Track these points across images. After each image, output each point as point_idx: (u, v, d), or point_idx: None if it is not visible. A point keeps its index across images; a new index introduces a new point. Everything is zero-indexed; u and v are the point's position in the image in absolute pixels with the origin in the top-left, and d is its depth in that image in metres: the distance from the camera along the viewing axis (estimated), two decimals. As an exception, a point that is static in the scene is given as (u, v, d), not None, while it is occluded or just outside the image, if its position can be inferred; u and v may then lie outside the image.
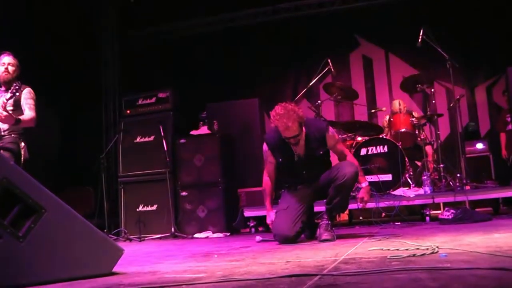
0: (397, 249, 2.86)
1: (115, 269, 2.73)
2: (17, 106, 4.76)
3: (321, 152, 4.25)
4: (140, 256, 3.92)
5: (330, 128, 4.26)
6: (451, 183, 6.01)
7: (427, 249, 2.69)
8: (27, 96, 4.81)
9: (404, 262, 2.35)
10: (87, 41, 8.09)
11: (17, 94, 4.63)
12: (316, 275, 2.12)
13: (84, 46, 7.97)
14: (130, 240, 6.17)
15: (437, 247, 2.73)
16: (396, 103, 7.13)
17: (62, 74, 7.45)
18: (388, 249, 2.89)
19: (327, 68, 6.86)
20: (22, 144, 4.74)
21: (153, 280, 2.37)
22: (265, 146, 4.41)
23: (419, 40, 6.07)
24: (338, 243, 3.73)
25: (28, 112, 4.76)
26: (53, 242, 2.51)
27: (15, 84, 4.59)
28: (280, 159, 4.33)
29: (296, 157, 4.24)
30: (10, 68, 4.85)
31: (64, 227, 2.57)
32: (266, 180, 4.48)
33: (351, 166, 4.07)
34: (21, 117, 4.67)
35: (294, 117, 3.97)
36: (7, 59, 4.88)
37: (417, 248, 2.80)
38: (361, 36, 8.95)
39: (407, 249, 2.80)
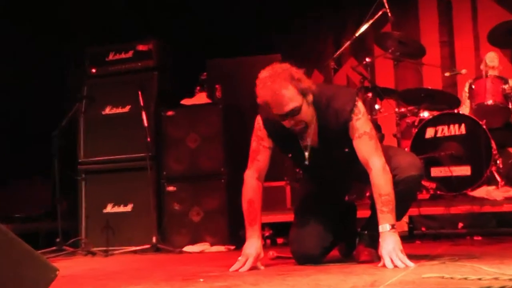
0: (465, 278, 2.70)
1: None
2: None
3: (346, 150, 3.64)
4: (95, 278, 3.84)
5: (358, 110, 3.54)
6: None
7: (510, 279, 2.53)
8: None
9: (471, 300, 2.19)
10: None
11: None
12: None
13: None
14: (93, 254, 6.08)
15: (525, 277, 2.58)
16: (490, 55, 6.91)
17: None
18: (451, 278, 2.74)
19: (381, 11, 6.57)
20: None
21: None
22: (259, 120, 3.77)
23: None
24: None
25: None
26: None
27: None
28: (290, 154, 3.89)
29: (307, 159, 3.72)
30: None
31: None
32: (254, 186, 3.75)
33: (413, 167, 3.72)
34: None
35: (285, 76, 3.38)
36: None
37: (495, 278, 2.63)
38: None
39: (479, 279, 2.63)
